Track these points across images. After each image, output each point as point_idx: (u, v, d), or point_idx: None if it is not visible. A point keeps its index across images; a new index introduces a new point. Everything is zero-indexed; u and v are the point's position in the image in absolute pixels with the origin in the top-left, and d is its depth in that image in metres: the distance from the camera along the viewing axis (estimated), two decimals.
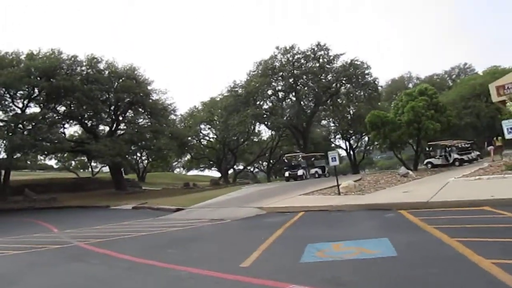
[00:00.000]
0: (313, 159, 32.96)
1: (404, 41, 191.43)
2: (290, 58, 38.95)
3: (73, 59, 32.90)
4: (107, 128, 37.50)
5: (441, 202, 10.26)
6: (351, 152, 57.76)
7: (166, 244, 9.25)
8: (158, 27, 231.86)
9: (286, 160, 33.30)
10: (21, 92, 30.53)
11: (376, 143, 27.99)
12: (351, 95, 41.14)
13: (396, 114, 25.83)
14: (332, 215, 11.48)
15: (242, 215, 13.31)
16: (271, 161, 54.31)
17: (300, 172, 29.50)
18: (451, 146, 29.69)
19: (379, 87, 41.27)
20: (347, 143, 58.39)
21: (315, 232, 8.97)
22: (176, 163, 75.75)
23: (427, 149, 30.95)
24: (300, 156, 31.72)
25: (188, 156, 60.14)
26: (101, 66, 34.46)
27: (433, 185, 13.80)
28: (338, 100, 42.09)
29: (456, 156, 29.20)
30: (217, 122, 48.08)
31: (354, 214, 11.13)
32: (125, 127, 37.04)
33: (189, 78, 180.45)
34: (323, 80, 38.55)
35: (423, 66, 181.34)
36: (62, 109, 34.28)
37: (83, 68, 33.62)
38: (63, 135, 32.15)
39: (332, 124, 55.78)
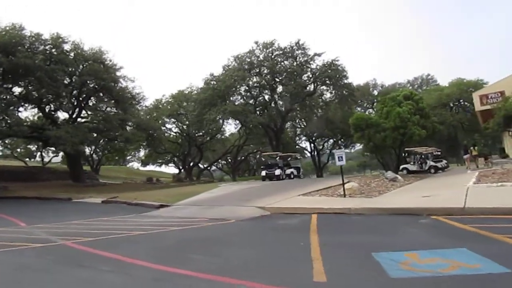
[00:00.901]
0: (289, 159, 31.98)
1: (367, 49, 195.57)
2: (269, 54, 37.79)
3: (36, 36, 29.68)
4: (65, 115, 34.49)
5: (478, 208, 9.42)
6: (316, 155, 57.70)
7: (180, 247, 7.78)
8: (129, 11, 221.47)
9: (263, 159, 32.08)
10: None
11: (359, 145, 27.43)
12: (324, 96, 40.71)
13: (380, 117, 25.43)
14: (355, 219, 10.39)
15: (246, 215, 11.94)
16: (237, 159, 52.91)
17: (277, 171, 28.42)
18: (427, 153, 29.82)
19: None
20: (312, 145, 58.35)
21: (359, 238, 7.81)
22: (130, 157, 72.53)
23: (403, 155, 30.91)
24: (278, 155, 30.64)
25: (146, 150, 57.31)
26: (67, 47, 31.41)
27: (447, 191, 13.07)
28: (312, 101, 41.37)
29: (431, 163, 29.33)
30: (186, 116, 45.98)
31: (380, 218, 10.10)
32: (87, 114, 34.16)
33: (156, 68, 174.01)
34: (301, 79, 37.69)
35: (384, 75, 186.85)
36: (17, 90, 30.98)
37: (47, 47, 30.37)
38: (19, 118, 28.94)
39: (299, 126, 55.37)
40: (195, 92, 44.13)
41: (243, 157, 56.19)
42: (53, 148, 57.49)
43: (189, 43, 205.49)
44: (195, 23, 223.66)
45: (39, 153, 62.86)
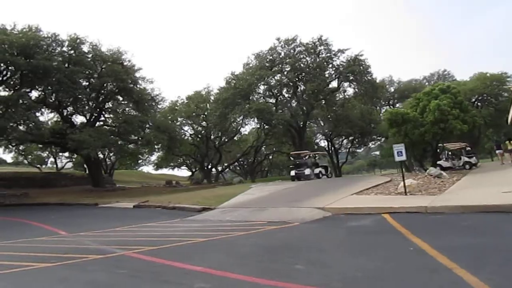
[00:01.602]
0: (317, 158, 30.82)
1: (381, 46, 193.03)
2: (291, 51, 36.67)
3: (53, 37, 28.88)
4: (82, 119, 33.63)
5: None
6: (334, 154, 56.49)
7: (269, 256, 6.77)
8: (147, 11, 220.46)
9: (292, 158, 30.95)
10: None
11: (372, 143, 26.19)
12: (346, 93, 39.59)
13: (414, 112, 24.30)
14: (440, 218, 9.26)
15: (307, 217, 10.88)
16: (255, 160, 51.83)
17: (307, 171, 27.28)
18: (461, 149, 28.61)
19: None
20: (329, 144, 57.16)
21: (469, 240, 6.71)
22: (141, 161, 71.67)
23: (437, 151, 29.70)
24: (307, 154, 29.49)
25: (161, 153, 56.28)
26: (85, 48, 30.60)
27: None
28: (333, 98, 40.21)
29: (466, 159, 28.14)
30: (203, 116, 44.99)
31: (468, 217, 8.95)
32: (107, 116, 33.28)
33: (171, 69, 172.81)
34: (323, 76, 36.56)
35: (398, 72, 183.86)
36: (35, 94, 30.17)
37: (64, 48, 29.61)
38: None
39: (316, 124, 54.19)
40: (214, 92, 43.26)
41: (263, 158, 55.13)
42: (66, 154, 56.94)
43: (204, 43, 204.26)
44: (209, 22, 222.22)
45: (51, 159, 62.45)
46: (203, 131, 47.54)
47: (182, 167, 68.84)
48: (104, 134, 27.65)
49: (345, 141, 61.35)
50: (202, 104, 45.23)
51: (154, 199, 20.30)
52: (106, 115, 33.96)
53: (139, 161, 72.97)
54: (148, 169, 76.28)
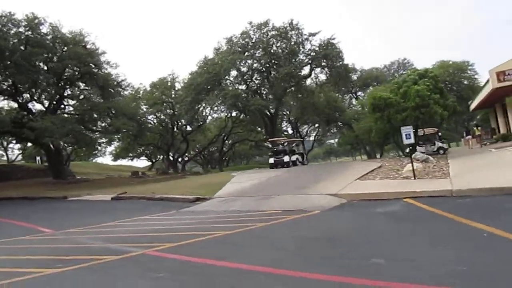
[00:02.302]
0: (294, 144, 30.12)
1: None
2: (264, 36, 35.48)
3: (8, 16, 26.00)
4: (39, 106, 30.89)
5: None
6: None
7: (321, 249, 5.91)
8: None
9: (270, 145, 30.03)
10: None
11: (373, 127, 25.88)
12: (318, 79, 39.10)
13: (395, 97, 24.12)
14: (470, 201, 8.77)
15: (325, 205, 10.12)
16: (223, 148, 50.51)
17: (286, 158, 26.50)
18: (434, 134, 29.02)
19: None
20: (295, 131, 56.91)
21: None
22: (96, 151, 68.21)
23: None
24: (284, 141, 28.69)
25: (121, 143, 53.47)
26: (44, 29, 27.83)
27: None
28: (305, 84, 39.59)
29: (440, 144, 28.59)
30: (169, 104, 42.96)
31: (503, 199, 8.54)
32: (69, 103, 30.76)
33: (134, 55, 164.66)
34: (296, 62, 35.77)
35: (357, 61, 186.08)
36: None
37: (21, 29, 26.74)
38: None
39: (282, 111, 53.60)
40: (181, 79, 41.34)
41: (229, 147, 53.91)
42: (18, 145, 52.95)
43: (167, 28, 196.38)
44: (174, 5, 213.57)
45: None
46: (167, 120, 45.51)
47: (141, 158, 66.63)
48: (68, 122, 25.42)
49: (311, 128, 61.54)
50: (167, 91, 43.17)
51: (133, 190, 18.81)
52: (66, 102, 31.35)
53: (95, 152, 69.60)
54: (104, 160, 72.89)
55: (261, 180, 16.89)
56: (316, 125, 58.14)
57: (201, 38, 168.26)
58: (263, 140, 45.92)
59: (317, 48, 35.48)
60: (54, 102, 30.14)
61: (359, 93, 62.90)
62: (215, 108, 35.30)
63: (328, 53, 34.47)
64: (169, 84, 43.48)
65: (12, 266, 6.31)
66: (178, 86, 44.14)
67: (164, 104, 43.28)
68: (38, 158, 59.14)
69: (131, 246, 7.18)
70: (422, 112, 22.77)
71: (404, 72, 69.09)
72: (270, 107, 36.62)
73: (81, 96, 30.74)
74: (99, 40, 55.47)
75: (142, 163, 72.95)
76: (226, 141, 50.63)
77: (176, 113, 42.65)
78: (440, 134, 31.52)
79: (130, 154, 61.90)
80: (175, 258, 6.00)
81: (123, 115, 30.87)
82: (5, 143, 50.55)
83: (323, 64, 36.32)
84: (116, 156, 65.14)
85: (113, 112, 30.65)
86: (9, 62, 24.35)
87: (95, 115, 27.99)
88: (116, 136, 42.45)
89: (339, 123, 55.69)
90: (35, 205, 18.36)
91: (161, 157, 58.23)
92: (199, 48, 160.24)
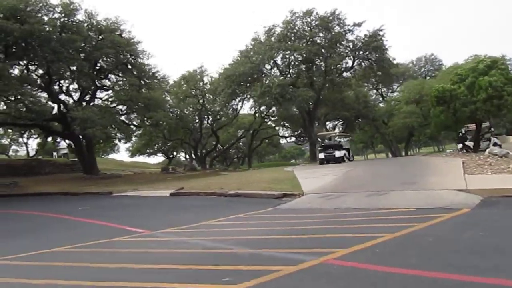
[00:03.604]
0: (344, 139, 28.46)
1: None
2: (307, 25, 33.67)
3: (43, 2, 24.68)
4: (69, 98, 29.51)
5: None
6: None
7: None
8: None
9: (320, 140, 28.43)
10: None
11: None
12: (355, 71, 37.21)
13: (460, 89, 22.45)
14: None
15: (464, 201, 8.58)
16: (252, 144, 48.80)
17: (337, 153, 24.96)
18: (484, 129, 27.37)
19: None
20: (322, 127, 55.14)
21: None
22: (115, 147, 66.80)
23: (463, 132, 28.23)
24: (336, 135, 27.10)
25: (142, 138, 51.86)
26: (79, 16, 26.52)
27: None
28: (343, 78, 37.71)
29: (495, 140, 26.90)
30: (200, 97, 41.41)
31: None
32: (104, 94, 29.33)
33: (161, 45, 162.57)
34: (339, 53, 34.01)
35: None
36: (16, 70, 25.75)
37: (56, 15, 25.50)
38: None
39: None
40: (215, 70, 39.75)
41: (259, 143, 52.21)
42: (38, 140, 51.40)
43: (193, 19, 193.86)
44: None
45: (13, 147, 57.10)
46: (195, 114, 43.97)
47: (158, 154, 65.67)
48: (108, 112, 24.01)
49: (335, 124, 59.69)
50: (197, 84, 41.65)
51: (194, 186, 17.27)
52: (100, 93, 29.88)
53: (114, 147, 68.13)
54: (116, 156, 71.16)
55: (337, 176, 15.35)
56: (341, 121, 56.30)
57: (224, 32, 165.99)
58: (298, 135, 44.37)
59: (362, 39, 33.66)
60: (90, 93, 28.78)
61: (383, 89, 61.00)
62: (260, 101, 33.24)
63: (379, 46, 32.69)
64: (198, 77, 41.90)
65: (176, 280, 4.75)
66: (206, 79, 42.75)
67: (195, 97, 41.72)
68: (54, 153, 58.13)
69: (287, 252, 5.68)
70: (493, 104, 21.13)
71: (431, 68, 67.70)
72: (311, 101, 34.75)
73: (120, 87, 29.28)
74: (135, 29, 53.51)
75: (154, 160, 72.04)
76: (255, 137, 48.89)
77: (208, 106, 41.21)
78: (493, 129, 29.94)
79: (148, 151, 60.83)
80: (369, 269, 4.45)
81: (159, 108, 29.47)
82: (25, 138, 49.21)
83: (368, 56, 34.45)
84: (135, 152, 63.81)
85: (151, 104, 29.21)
86: (47, 48, 22.89)
87: (135, 107, 26.45)
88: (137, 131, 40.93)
89: (371, 119, 53.73)
90: (86, 201, 16.97)
91: (180, 153, 57.03)
92: (225, 42, 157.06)
